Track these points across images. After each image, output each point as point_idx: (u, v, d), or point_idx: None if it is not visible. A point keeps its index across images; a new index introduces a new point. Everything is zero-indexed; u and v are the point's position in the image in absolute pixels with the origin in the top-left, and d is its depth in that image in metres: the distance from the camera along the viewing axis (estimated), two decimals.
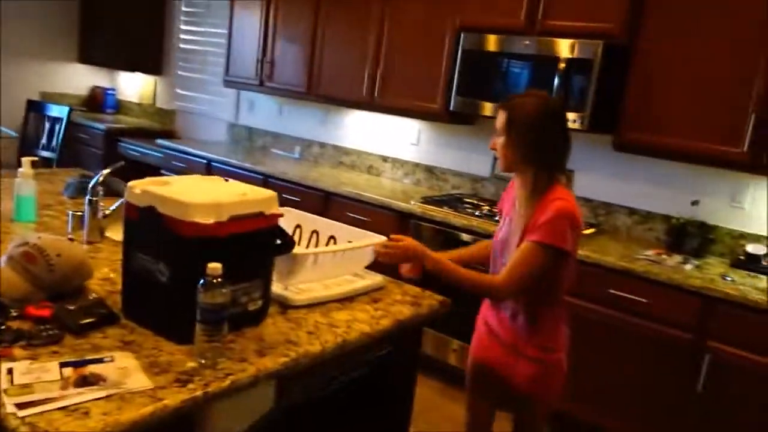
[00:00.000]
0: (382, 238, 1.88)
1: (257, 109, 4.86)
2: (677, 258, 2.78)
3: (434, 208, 3.25)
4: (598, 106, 2.88)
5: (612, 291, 2.66)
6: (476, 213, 3.18)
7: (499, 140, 1.79)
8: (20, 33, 5.35)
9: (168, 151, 4.53)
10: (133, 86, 5.87)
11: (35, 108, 4.81)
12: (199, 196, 1.30)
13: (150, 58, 5.49)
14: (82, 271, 1.49)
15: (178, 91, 5.44)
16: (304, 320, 1.54)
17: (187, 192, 1.33)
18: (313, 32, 4.00)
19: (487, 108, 3.18)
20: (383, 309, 1.71)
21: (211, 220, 1.27)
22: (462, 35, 3.26)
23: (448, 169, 3.86)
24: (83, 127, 5.16)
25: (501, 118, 1.78)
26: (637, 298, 2.62)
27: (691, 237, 2.91)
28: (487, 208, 3.27)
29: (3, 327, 1.25)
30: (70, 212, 1.99)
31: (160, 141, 4.58)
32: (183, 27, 5.35)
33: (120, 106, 5.97)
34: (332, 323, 1.55)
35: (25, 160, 2.03)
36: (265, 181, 3.94)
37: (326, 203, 3.65)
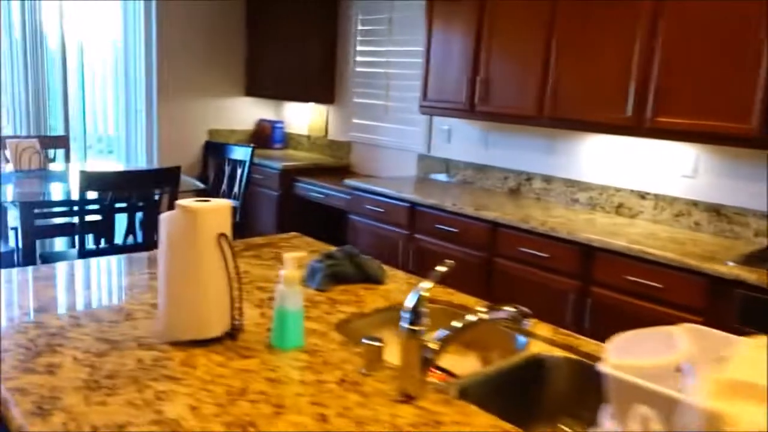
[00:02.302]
0: None
1: (455, 138, 4.11)
2: None
3: None
4: None
5: None
6: None
7: None
8: (186, 70, 5.00)
9: (358, 193, 3.88)
10: (301, 117, 5.36)
11: (213, 151, 4.34)
12: None
13: (322, 85, 4.94)
14: None
15: (355, 120, 4.83)
16: None
17: None
18: (546, 43, 3.18)
19: None
20: None
21: None
22: None
23: (745, 208, 2.87)
24: (256, 166, 4.67)
25: None
26: None
27: None
28: None
29: None
30: (366, 340, 1.27)
31: (348, 182, 3.95)
32: (359, 48, 4.74)
33: (287, 140, 5.48)
34: None
35: (290, 258, 1.34)
36: (494, 229, 3.15)
37: (587, 260, 2.79)
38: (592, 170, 3.42)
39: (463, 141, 4.06)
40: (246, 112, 5.43)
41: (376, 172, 4.66)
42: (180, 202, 1.34)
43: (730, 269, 2.36)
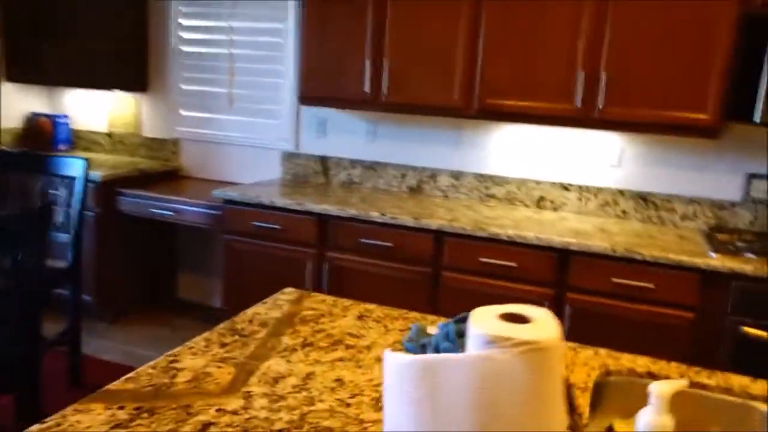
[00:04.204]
0: None
1: (334, 132, 3.53)
2: None
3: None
4: None
5: None
6: None
7: None
8: None
9: (234, 207, 3.08)
10: (94, 110, 4.14)
11: (6, 165, 3.00)
12: None
13: (127, 68, 3.83)
14: None
15: (184, 113, 3.87)
16: None
17: None
18: (472, 25, 2.83)
19: None
20: None
21: None
22: None
23: (673, 195, 2.94)
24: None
25: None
26: None
27: None
28: None
29: None
30: None
31: (221, 193, 3.10)
32: (186, 22, 3.78)
33: (75, 140, 4.20)
34: None
35: (662, 393, 0.78)
36: (437, 238, 2.73)
37: (561, 265, 2.56)
38: (507, 163, 3.21)
39: (344, 135, 3.51)
40: (8, 104, 3.99)
41: (224, 176, 3.82)
42: (485, 327, 0.67)
43: (723, 262, 2.34)
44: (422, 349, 1.32)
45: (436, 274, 2.77)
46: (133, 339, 3.44)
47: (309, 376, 1.19)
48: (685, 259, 2.38)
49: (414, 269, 2.79)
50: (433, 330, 1.43)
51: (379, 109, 3.06)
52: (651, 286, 2.44)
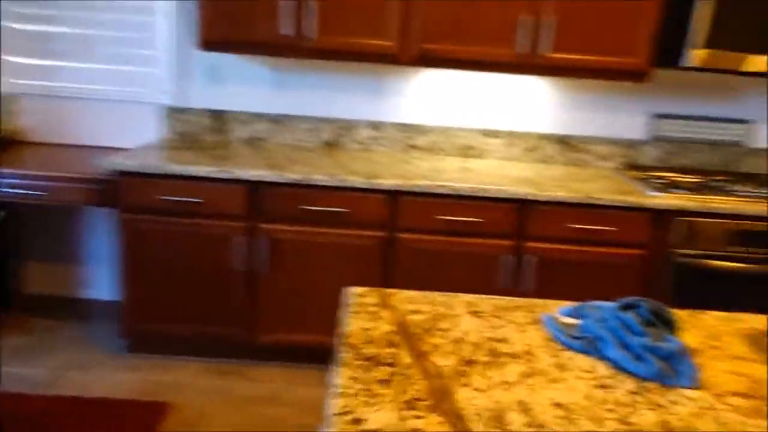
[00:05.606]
0: None
1: (229, 82, 3.03)
2: None
3: (702, 197, 2.55)
4: None
5: None
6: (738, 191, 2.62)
7: None
8: None
9: (133, 178, 2.51)
10: None
11: None
12: None
13: None
14: None
15: (17, 60, 3.01)
16: None
17: None
18: None
19: (755, 62, 2.54)
20: None
21: None
22: None
23: (589, 136, 3.07)
24: None
25: None
26: None
27: None
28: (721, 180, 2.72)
29: None
30: None
31: (111, 162, 2.49)
32: None
33: None
34: None
35: None
36: (393, 199, 2.53)
37: (520, 216, 2.54)
38: (429, 111, 3.06)
39: (243, 85, 3.04)
40: None
41: (85, 140, 3.10)
42: None
43: (668, 200, 2.51)
44: (591, 344, 1.17)
45: (391, 237, 2.57)
46: None
47: (521, 407, 0.97)
48: (634, 199, 2.51)
49: (367, 234, 2.56)
50: (564, 319, 1.28)
51: (303, 56, 2.67)
52: (613, 228, 2.53)
